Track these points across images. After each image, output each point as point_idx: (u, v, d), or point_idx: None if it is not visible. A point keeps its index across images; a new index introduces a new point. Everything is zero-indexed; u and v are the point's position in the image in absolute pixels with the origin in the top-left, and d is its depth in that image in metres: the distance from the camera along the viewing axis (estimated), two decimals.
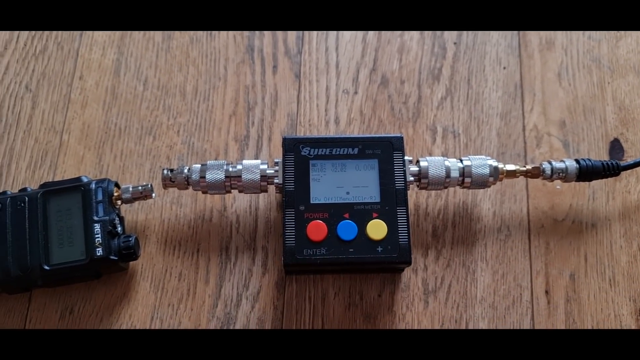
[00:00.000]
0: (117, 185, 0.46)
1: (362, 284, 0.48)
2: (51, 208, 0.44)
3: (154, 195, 0.47)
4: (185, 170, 0.46)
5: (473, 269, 0.49)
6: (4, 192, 0.46)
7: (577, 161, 0.48)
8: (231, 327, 0.46)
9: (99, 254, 0.43)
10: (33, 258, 0.43)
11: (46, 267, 0.43)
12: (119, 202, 0.46)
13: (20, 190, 0.46)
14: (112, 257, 0.43)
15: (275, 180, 0.46)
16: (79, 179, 0.45)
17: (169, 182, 0.46)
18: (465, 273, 0.49)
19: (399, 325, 0.47)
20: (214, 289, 0.47)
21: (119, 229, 0.45)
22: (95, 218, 0.44)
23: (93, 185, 0.45)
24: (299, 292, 0.48)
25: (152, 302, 0.47)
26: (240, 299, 0.47)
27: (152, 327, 0.46)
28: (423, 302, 0.48)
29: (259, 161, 0.46)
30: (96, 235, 0.43)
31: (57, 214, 0.44)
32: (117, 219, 0.45)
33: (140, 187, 0.46)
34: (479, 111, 0.53)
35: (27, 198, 0.45)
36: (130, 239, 0.44)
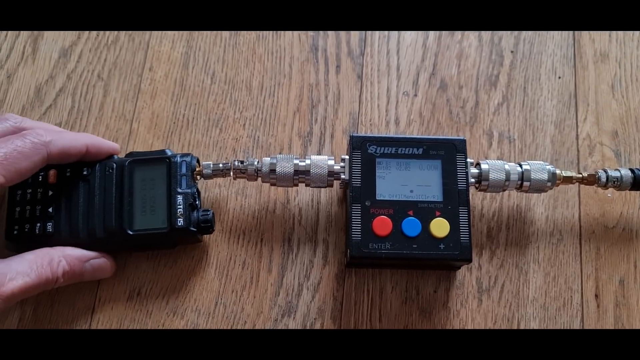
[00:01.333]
0: (198, 161, 0.48)
1: (418, 279, 0.50)
2: (137, 176, 0.46)
3: (232, 173, 0.48)
4: (256, 163, 0.48)
5: (526, 270, 0.50)
6: None
7: (632, 170, 0.49)
8: (292, 316, 0.48)
9: (179, 224, 0.45)
10: (117, 222, 0.45)
11: (129, 232, 0.45)
12: (199, 177, 0.48)
13: (107, 157, 0.48)
14: (191, 229, 0.45)
15: (342, 176, 0.48)
16: (163, 151, 0.47)
17: (239, 173, 0.48)
18: (518, 274, 0.50)
19: (453, 320, 0.49)
20: (277, 277, 0.49)
21: (198, 203, 0.47)
22: (179, 190, 0.46)
23: (178, 159, 0.47)
24: (358, 284, 0.49)
25: (217, 287, 0.49)
26: (302, 288, 0.49)
27: (216, 312, 0.48)
28: (477, 299, 0.49)
29: (326, 157, 0.48)
30: (178, 207, 0.45)
31: (142, 182, 0.46)
32: (197, 192, 0.47)
33: (221, 165, 0.48)
34: (534, 118, 0.55)
35: (115, 165, 0.47)
36: (209, 212, 0.46)
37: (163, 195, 0.46)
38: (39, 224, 0.45)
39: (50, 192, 0.46)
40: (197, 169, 0.48)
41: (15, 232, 0.46)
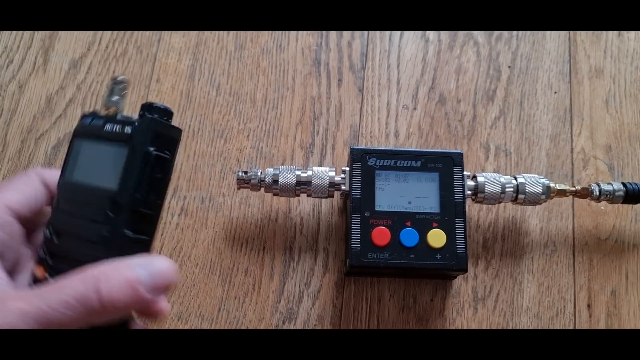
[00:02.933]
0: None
1: (415, 288, 0.51)
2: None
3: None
4: (259, 173, 0.49)
5: (520, 280, 0.52)
6: None
7: (624, 184, 0.51)
8: (293, 322, 0.50)
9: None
10: None
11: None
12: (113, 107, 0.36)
13: None
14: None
15: (342, 187, 0.49)
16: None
17: (243, 183, 0.50)
18: (513, 284, 0.52)
19: (449, 328, 0.50)
20: (278, 285, 0.51)
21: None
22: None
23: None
24: (357, 292, 0.51)
25: (220, 294, 0.50)
26: (302, 295, 0.51)
27: (219, 318, 0.50)
28: (472, 308, 0.51)
29: (327, 168, 0.50)
30: None
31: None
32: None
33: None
34: (530, 132, 0.57)
35: None
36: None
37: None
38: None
39: None
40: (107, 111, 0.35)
41: None
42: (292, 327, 0.50)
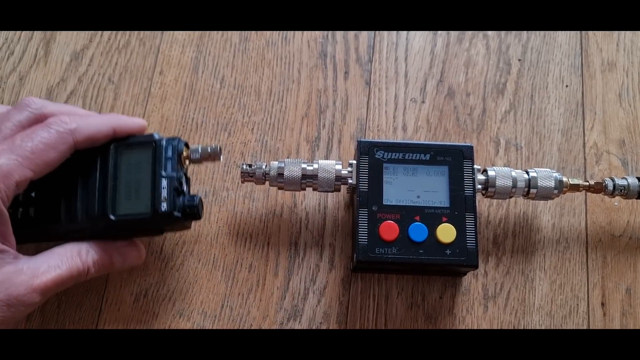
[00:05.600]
0: (186, 145, 0.45)
1: (424, 285, 0.50)
2: (122, 160, 0.44)
3: (222, 157, 0.46)
4: (264, 166, 0.48)
5: (532, 277, 0.50)
6: None
7: (639, 179, 0.49)
8: (298, 319, 0.48)
9: (163, 209, 0.42)
10: (100, 207, 0.43)
11: (112, 217, 0.42)
12: (187, 161, 0.45)
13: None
14: (176, 214, 0.42)
15: (349, 181, 0.48)
16: (151, 135, 0.44)
17: (247, 176, 0.48)
18: (524, 281, 0.50)
19: (459, 327, 0.49)
20: (283, 281, 0.49)
21: (185, 188, 0.44)
22: (163, 174, 0.43)
23: (164, 142, 0.44)
24: (364, 289, 0.50)
25: (223, 290, 0.49)
26: (308, 292, 0.49)
27: (222, 315, 0.48)
28: (483, 306, 0.49)
29: (333, 161, 0.48)
30: (163, 190, 0.42)
31: (127, 166, 0.44)
32: (184, 177, 0.44)
33: (209, 148, 0.45)
34: (541, 126, 0.55)
35: (99, 148, 0.44)
36: (195, 198, 0.43)
37: (148, 179, 0.43)
38: (21, 209, 0.44)
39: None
40: (185, 153, 0.45)
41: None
42: (297, 324, 0.48)
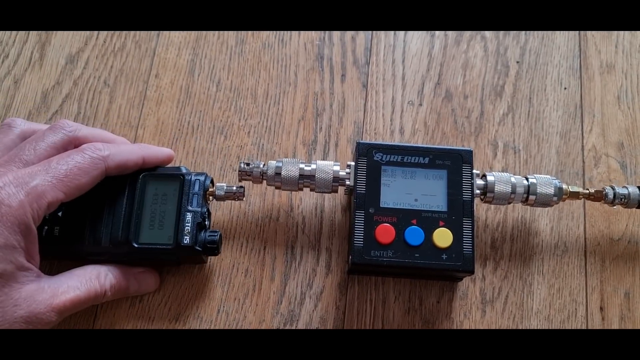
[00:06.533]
0: (212, 181, 0.48)
1: (421, 289, 0.49)
2: (149, 190, 0.46)
3: (244, 198, 0.49)
4: (261, 165, 0.48)
5: (530, 281, 0.50)
6: None
7: None
8: (294, 324, 0.48)
9: (185, 242, 0.44)
10: (124, 233, 0.45)
11: (135, 244, 0.45)
12: (211, 197, 0.48)
13: None
14: (197, 248, 0.45)
15: (347, 182, 0.48)
16: (178, 168, 0.47)
17: (245, 175, 0.48)
18: (522, 285, 0.50)
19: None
20: (279, 286, 0.49)
21: (207, 223, 0.47)
22: (189, 208, 0.45)
23: (192, 177, 0.46)
24: (361, 294, 0.49)
25: (219, 295, 0.49)
26: (304, 297, 0.49)
27: (218, 320, 0.48)
28: (480, 311, 0.49)
29: (332, 162, 0.48)
30: (187, 224, 0.45)
31: (154, 197, 0.46)
32: (207, 213, 0.46)
33: (234, 187, 0.48)
34: (539, 129, 0.55)
35: (128, 177, 0.46)
36: (216, 234, 0.46)
37: (173, 211, 0.45)
38: (46, 227, 0.45)
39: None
40: (210, 190, 0.47)
41: None
42: (293, 329, 0.48)
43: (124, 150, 0.45)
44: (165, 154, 0.48)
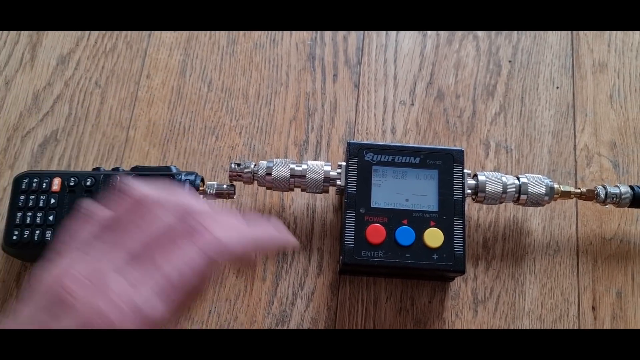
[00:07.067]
0: (202, 180, 0.48)
1: (413, 289, 0.49)
2: None
3: (235, 197, 0.48)
4: (252, 166, 0.48)
5: (522, 281, 0.50)
6: (98, 169, 0.48)
7: (631, 188, 0.48)
8: (286, 325, 0.48)
9: None
10: None
11: None
12: (202, 196, 0.48)
13: (113, 169, 0.48)
14: None
15: (338, 182, 0.47)
16: (168, 167, 0.47)
17: (236, 175, 0.48)
18: (514, 285, 0.50)
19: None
20: (271, 286, 0.49)
21: None
22: None
23: (182, 177, 0.46)
24: (352, 294, 0.49)
25: (211, 296, 0.49)
26: (296, 297, 0.49)
27: (209, 320, 0.48)
28: (472, 310, 0.49)
29: (323, 162, 0.48)
30: None
31: None
32: None
33: (225, 186, 0.48)
34: (531, 128, 0.55)
35: (119, 177, 0.47)
36: None
37: None
38: (38, 231, 0.45)
39: (53, 200, 0.46)
40: (200, 188, 0.47)
41: (14, 237, 0.46)
42: (284, 329, 0.48)
43: (245, 240, 0.33)
44: (292, 244, 0.36)
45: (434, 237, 0.45)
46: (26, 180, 0.47)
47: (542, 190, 0.48)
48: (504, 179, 0.48)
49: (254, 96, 0.55)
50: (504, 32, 0.58)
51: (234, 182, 0.49)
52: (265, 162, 0.48)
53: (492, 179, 0.48)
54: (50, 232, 0.45)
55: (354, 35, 0.58)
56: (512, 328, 0.48)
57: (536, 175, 0.48)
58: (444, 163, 0.47)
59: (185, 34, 0.57)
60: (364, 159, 0.47)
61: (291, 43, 0.57)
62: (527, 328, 0.48)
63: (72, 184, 0.47)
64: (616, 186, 0.48)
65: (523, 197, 0.48)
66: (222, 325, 0.48)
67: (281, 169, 0.47)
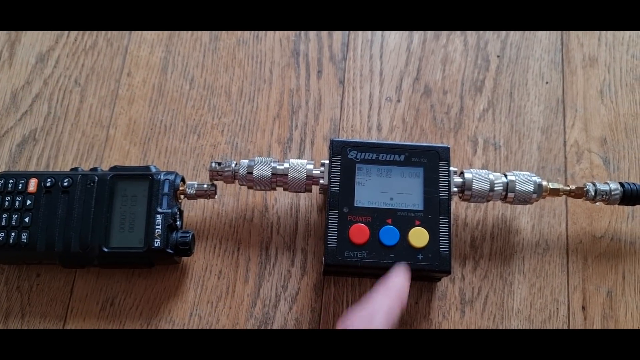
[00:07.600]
0: (182, 179, 0.47)
1: None
2: (118, 192, 0.45)
3: (216, 196, 0.47)
4: (233, 165, 0.47)
5: (510, 281, 0.49)
6: (76, 169, 0.47)
7: (621, 184, 0.47)
8: (269, 327, 0.47)
9: (156, 245, 0.44)
10: (94, 238, 0.44)
11: (105, 249, 0.44)
12: (182, 196, 0.47)
13: (91, 169, 0.47)
14: (168, 250, 0.44)
15: (321, 181, 0.46)
16: (147, 167, 0.46)
17: (216, 175, 0.47)
18: (503, 285, 0.49)
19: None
20: (253, 288, 0.48)
21: (179, 223, 0.45)
22: (159, 210, 0.44)
23: (161, 177, 0.45)
24: (337, 295, 0.48)
25: (192, 298, 0.48)
26: (279, 299, 0.48)
27: (191, 323, 0.47)
28: (459, 311, 0.48)
29: (305, 161, 0.47)
30: (157, 227, 0.44)
31: (123, 198, 0.45)
32: (178, 212, 0.45)
33: (205, 185, 0.47)
34: (520, 124, 0.54)
35: (97, 178, 0.45)
36: (188, 235, 0.45)
37: (143, 213, 0.44)
38: (13, 234, 0.44)
39: (29, 202, 0.45)
40: (180, 188, 0.46)
41: None
42: (267, 329, 0.47)
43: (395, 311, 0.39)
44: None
45: (418, 236, 0.44)
46: (2, 181, 0.46)
47: (530, 188, 0.46)
48: (491, 176, 0.47)
49: (237, 93, 0.54)
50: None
51: (215, 182, 0.47)
52: (247, 161, 0.47)
53: (479, 176, 0.47)
54: (26, 234, 0.44)
55: (338, 31, 0.56)
56: (500, 329, 0.47)
57: (524, 173, 0.47)
58: (430, 161, 0.46)
59: (167, 31, 0.56)
60: (348, 157, 0.46)
61: (275, 39, 0.56)
62: (516, 328, 0.47)
63: (48, 184, 0.46)
64: (606, 183, 0.47)
65: (510, 195, 0.47)
66: (203, 328, 0.47)
67: (263, 168, 0.46)
